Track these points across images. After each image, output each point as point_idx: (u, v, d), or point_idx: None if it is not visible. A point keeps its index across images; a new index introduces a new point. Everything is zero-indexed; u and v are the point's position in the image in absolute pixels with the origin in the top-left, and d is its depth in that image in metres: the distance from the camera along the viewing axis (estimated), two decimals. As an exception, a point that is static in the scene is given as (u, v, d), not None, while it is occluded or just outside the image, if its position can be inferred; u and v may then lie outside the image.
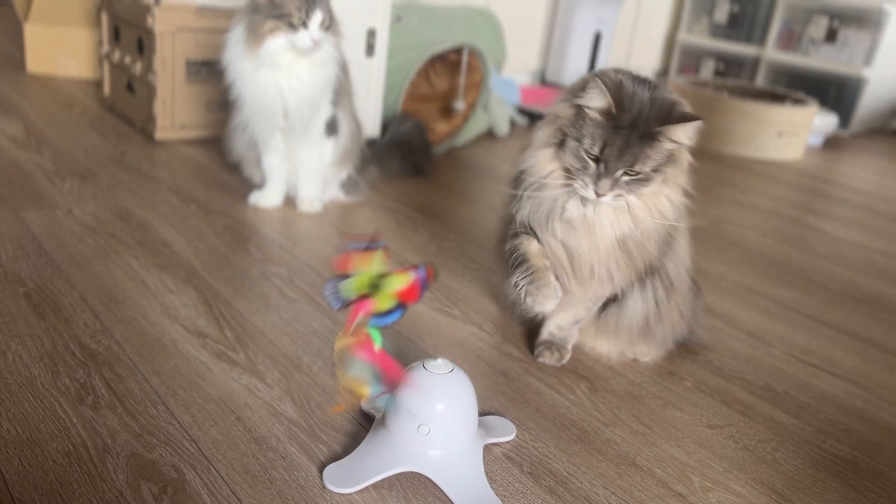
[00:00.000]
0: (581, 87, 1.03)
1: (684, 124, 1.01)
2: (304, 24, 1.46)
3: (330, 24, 1.51)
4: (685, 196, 1.09)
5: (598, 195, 1.01)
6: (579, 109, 1.02)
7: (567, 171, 1.05)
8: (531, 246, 1.11)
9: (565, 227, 1.08)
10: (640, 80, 1.03)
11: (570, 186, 1.04)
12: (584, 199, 1.05)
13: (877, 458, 1.07)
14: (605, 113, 1.00)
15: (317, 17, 1.47)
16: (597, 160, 1.01)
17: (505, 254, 1.16)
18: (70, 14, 2.55)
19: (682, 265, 1.20)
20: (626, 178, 1.01)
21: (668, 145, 1.01)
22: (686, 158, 1.07)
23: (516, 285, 1.11)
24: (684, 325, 1.25)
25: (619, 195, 1.02)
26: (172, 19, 1.91)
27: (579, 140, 1.01)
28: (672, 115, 1.00)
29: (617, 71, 1.04)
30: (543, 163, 1.07)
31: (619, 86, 1.00)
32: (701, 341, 1.32)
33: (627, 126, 0.99)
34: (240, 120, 1.63)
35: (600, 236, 1.07)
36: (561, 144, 1.05)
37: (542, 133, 1.08)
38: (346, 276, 0.83)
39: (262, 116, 1.58)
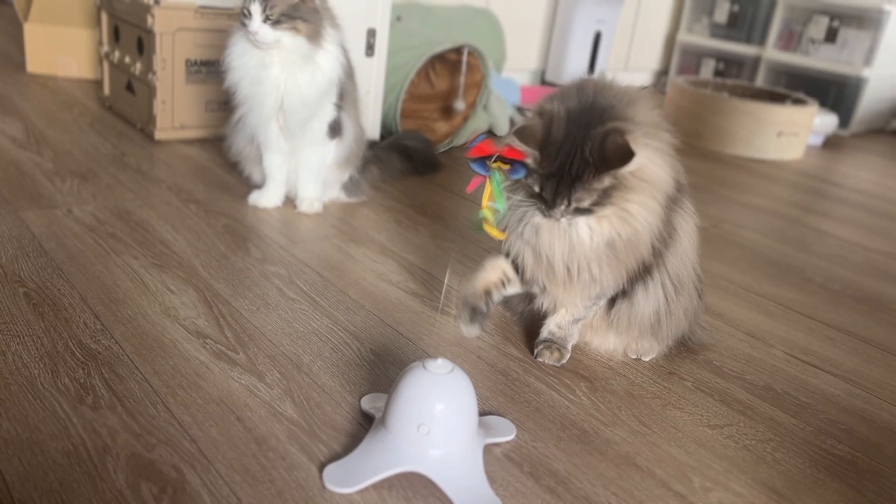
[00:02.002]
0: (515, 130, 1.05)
1: (618, 168, 0.99)
2: (249, 16, 1.47)
3: (285, 20, 1.47)
4: (662, 201, 1.07)
5: (550, 218, 1.06)
6: None
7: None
8: (490, 272, 1.19)
9: (532, 232, 1.11)
10: (584, 109, 1.01)
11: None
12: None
13: (877, 458, 1.07)
14: (535, 159, 1.03)
15: (256, 8, 1.45)
16: (541, 197, 1.04)
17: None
18: (70, 14, 2.55)
19: (688, 262, 1.19)
20: (570, 209, 1.03)
21: (602, 183, 1.01)
22: (642, 176, 1.03)
23: (461, 299, 1.20)
24: (686, 323, 1.25)
25: (570, 220, 1.06)
26: (172, 19, 1.91)
27: (528, 175, 1.05)
28: (604, 157, 0.98)
29: (563, 97, 1.04)
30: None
31: (546, 130, 1.01)
32: (700, 340, 1.32)
33: (556, 173, 1.01)
34: (239, 115, 1.64)
35: (577, 242, 1.08)
36: None
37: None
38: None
39: (257, 111, 1.59)
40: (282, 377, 1.08)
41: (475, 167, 1.04)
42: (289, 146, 1.65)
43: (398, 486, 0.90)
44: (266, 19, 1.45)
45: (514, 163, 1.03)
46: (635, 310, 1.18)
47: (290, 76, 1.53)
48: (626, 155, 0.98)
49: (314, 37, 1.51)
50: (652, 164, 1.03)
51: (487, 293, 1.18)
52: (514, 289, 1.20)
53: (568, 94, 1.04)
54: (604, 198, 1.02)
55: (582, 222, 1.07)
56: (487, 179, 1.04)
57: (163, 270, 1.34)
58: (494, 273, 1.19)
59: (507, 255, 1.18)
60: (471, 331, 1.19)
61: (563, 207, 1.03)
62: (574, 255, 1.09)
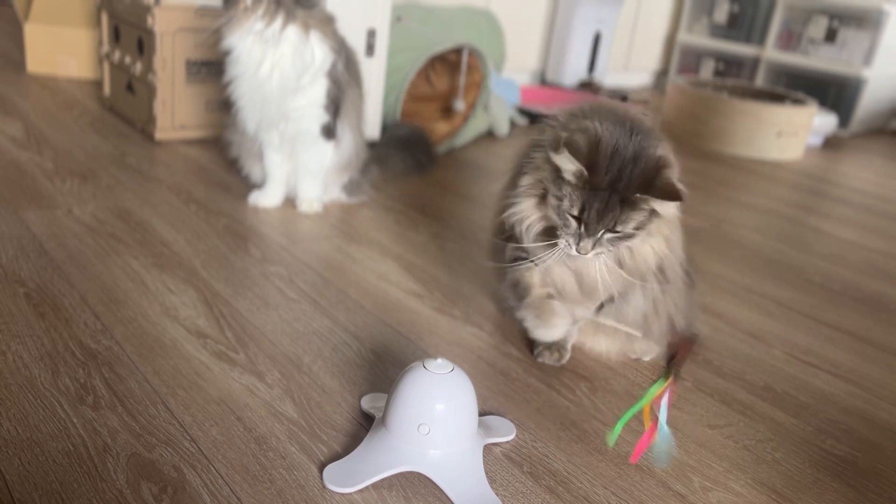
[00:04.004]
0: (555, 145, 0.99)
1: (664, 201, 0.98)
2: None
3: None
4: (668, 240, 1.08)
5: (580, 253, 1.02)
6: (557, 168, 1.00)
7: (549, 221, 1.05)
8: (530, 275, 1.14)
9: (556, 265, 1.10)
10: (625, 130, 0.99)
11: (556, 244, 1.05)
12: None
13: (877, 458, 1.07)
14: (581, 176, 0.98)
15: None
16: (577, 220, 1.00)
17: (508, 284, 1.18)
18: (70, 14, 2.55)
19: (675, 259, 1.19)
20: (608, 235, 1.01)
21: (649, 208, 1.00)
22: (670, 212, 1.03)
23: (523, 319, 1.13)
24: (681, 319, 1.25)
25: (601, 252, 1.03)
26: (172, 19, 1.91)
27: (559, 199, 1.01)
28: (654, 185, 0.97)
29: (601, 116, 1.01)
30: (527, 211, 1.08)
31: (595, 144, 0.97)
32: (698, 334, 1.32)
33: (606, 188, 0.97)
34: (235, 109, 1.65)
35: (589, 279, 1.09)
36: (543, 197, 1.05)
37: (526, 181, 1.07)
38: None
39: (242, 103, 1.61)
40: (282, 377, 1.08)
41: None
42: (283, 143, 1.66)
43: (398, 486, 0.90)
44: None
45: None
46: (623, 312, 1.18)
47: (256, 67, 1.55)
48: (676, 191, 0.96)
49: (227, 25, 1.54)
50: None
51: (549, 294, 1.14)
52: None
53: (604, 116, 1.02)
54: (646, 222, 1.00)
55: (599, 264, 1.05)
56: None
57: (163, 270, 1.35)
58: (535, 274, 1.14)
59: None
60: (561, 331, 1.15)
61: (601, 233, 0.99)
62: (600, 276, 1.08)
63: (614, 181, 0.97)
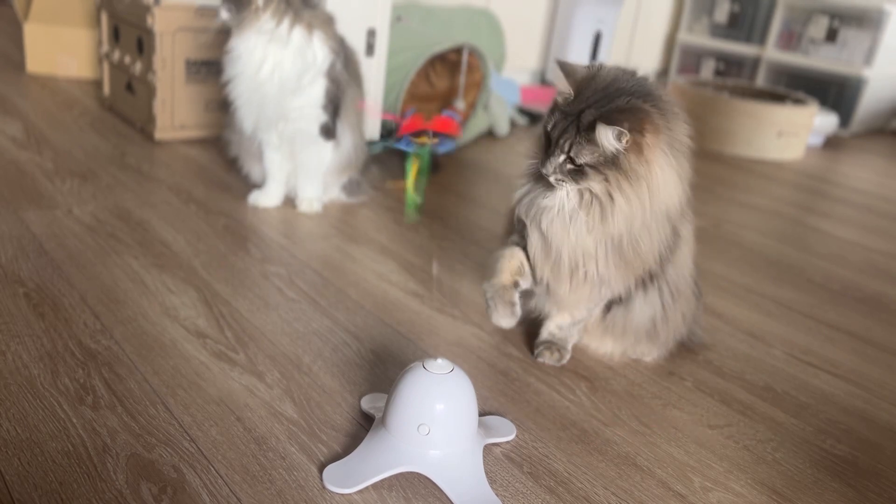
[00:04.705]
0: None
1: (605, 127, 0.97)
2: None
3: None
4: (652, 213, 1.04)
5: (543, 173, 1.04)
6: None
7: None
8: (510, 261, 1.14)
9: (543, 215, 1.08)
10: (631, 80, 1.02)
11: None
12: (552, 189, 1.06)
13: (877, 458, 1.07)
14: (565, 98, 1.03)
15: None
16: (548, 139, 1.03)
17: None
18: (70, 14, 2.55)
19: (685, 270, 1.19)
20: (569, 166, 1.02)
21: (605, 146, 0.99)
22: (638, 170, 1.00)
23: (484, 292, 1.14)
24: (685, 328, 1.25)
25: (561, 180, 1.03)
26: (172, 19, 1.91)
27: (548, 120, 1.05)
28: (605, 116, 0.97)
29: (619, 68, 1.04)
30: (534, 145, 1.11)
31: (590, 76, 1.01)
32: (701, 341, 1.32)
33: (575, 114, 1.00)
34: (232, 108, 1.65)
35: (578, 233, 1.06)
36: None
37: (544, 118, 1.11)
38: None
39: (240, 102, 1.61)
40: (282, 377, 1.08)
41: (402, 145, 1.05)
42: (282, 143, 1.66)
43: (398, 486, 0.90)
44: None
45: (443, 136, 1.04)
46: (631, 316, 1.18)
47: (255, 68, 1.55)
48: (619, 122, 0.96)
49: (238, 24, 1.54)
50: (660, 171, 1.01)
51: (515, 283, 1.13)
52: (527, 283, 1.16)
53: (623, 69, 1.05)
54: (601, 166, 0.99)
55: (561, 193, 1.04)
56: (413, 163, 1.05)
57: (163, 270, 1.34)
58: (514, 261, 1.14)
59: (518, 245, 1.15)
60: (509, 321, 1.13)
61: (561, 156, 1.01)
62: (578, 247, 1.07)
63: (583, 109, 1.00)
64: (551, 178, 1.04)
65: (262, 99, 1.57)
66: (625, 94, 0.99)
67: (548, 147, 1.04)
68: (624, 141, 0.97)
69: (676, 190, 1.05)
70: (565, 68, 1.02)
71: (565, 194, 1.05)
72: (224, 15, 1.53)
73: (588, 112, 0.99)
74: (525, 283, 1.16)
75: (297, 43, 1.54)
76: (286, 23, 1.51)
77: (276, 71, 1.54)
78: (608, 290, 1.14)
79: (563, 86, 1.02)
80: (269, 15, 1.50)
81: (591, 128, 0.98)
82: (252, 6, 1.50)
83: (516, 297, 1.13)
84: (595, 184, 1.01)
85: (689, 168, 1.08)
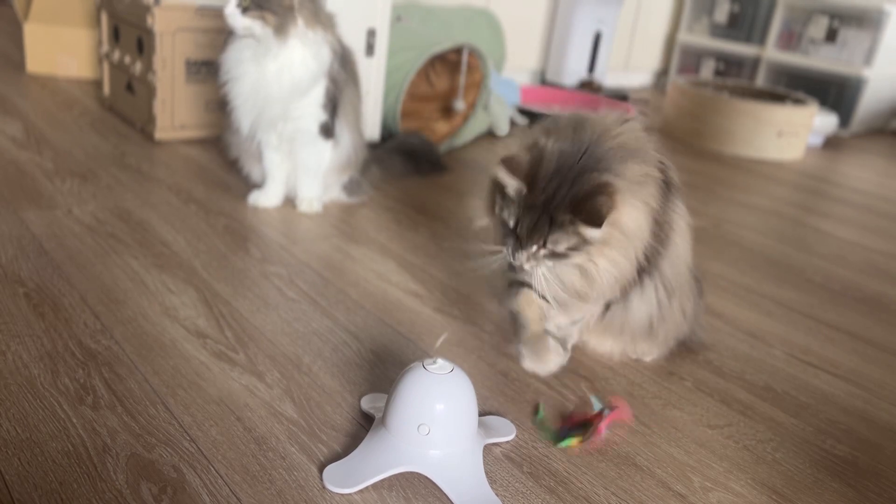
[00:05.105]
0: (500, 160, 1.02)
1: (588, 227, 0.97)
2: (228, 2, 1.50)
3: (254, 9, 1.49)
4: (634, 254, 1.05)
5: (514, 264, 1.03)
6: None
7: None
8: (530, 308, 1.13)
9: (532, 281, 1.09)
10: (578, 151, 1.00)
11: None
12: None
13: (877, 458, 1.07)
14: (519, 191, 1.00)
15: None
16: (514, 233, 1.02)
17: (508, 314, 1.18)
18: (70, 14, 2.55)
19: (682, 265, 1.19)
20: (543, 252, 1.01)
21: (577, 231, 0.99)
22: (613, 232, 1.00)
23: (520, 354, 1.13)
24: (686, 326, 1.25)
25: (535, 266, 1.03)
26: (172, 19, 1.91)
27: (502, 209, 1.03)
28: (580, 210, 0.96)
29: (566, 133, 1.02)
30: (483, 217, 1.10)
31: (536, 162, 0.99)
32: (701, 341, 1.32)
33: (539, 206, 0.99)
34: (229, 109, 1.65)
35: (567, 281, 1.07)
36: (493, 206, 1.07)
37: (487, 193, 1.09)
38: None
39: (238, 102, 1.61)
40: (282, 377, 1.08)
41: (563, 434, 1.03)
42: (281, 143, 1.66)
43: (398, 486, 0.90)
44: (238, 4, 1.49)
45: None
46: (629, 315, 1.18)
47: (259, 69, 1.54)
48: (595, 219, 0.96)
49: (280, 31, 1.52)
50: (631, 220, 1.01)
51: (544, 329, 1.14)
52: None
53: (563, 133, 1.03)
54: (580, 245, 1.00)
55: (538, 272, 1.04)
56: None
57: (163, 270, 1.34)
58: (533, 307, 1.14)
59: (525, 283, 1.15)
60: (557, 362, 1.13)
61: (534, 249, 1.00)
62: (570, 290, 1.07)
63: (548, 200, 0.98)
64: (525, 266, 1.03)
65: (265, 100, 1.57)
66: (582, 172, 0.98)
67: (514, 237, 1.02)
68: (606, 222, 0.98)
69: (646, 220, 1.04)
70: (508, 165, 0.99)
71: (542, 274, 1.05)
72: (247, 23, 1.49)
73: (556, 203, 0.98)
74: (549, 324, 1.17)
75: (313, 44, 1.54)
76: (300, 25, 1.52)
77: (284, 72, 1.54)
78: (603, 298, 1.14)
79: (511, 181, 1.00)
80: (303, 20, 1.51)
81: (559, 221, 0.98)
82: (291, 14, 1.50)
83: (550, 341, 1.13)
84: (575, 259, 1.02)
85: (652, 190, 1.06)
